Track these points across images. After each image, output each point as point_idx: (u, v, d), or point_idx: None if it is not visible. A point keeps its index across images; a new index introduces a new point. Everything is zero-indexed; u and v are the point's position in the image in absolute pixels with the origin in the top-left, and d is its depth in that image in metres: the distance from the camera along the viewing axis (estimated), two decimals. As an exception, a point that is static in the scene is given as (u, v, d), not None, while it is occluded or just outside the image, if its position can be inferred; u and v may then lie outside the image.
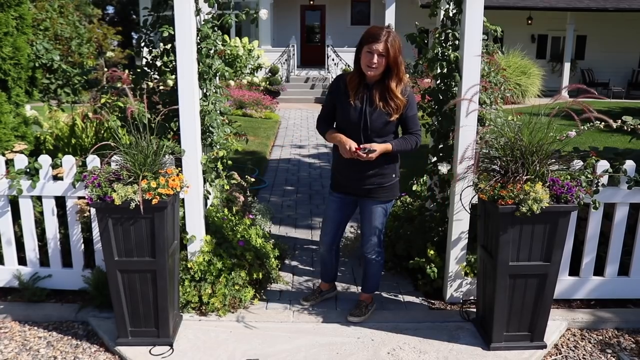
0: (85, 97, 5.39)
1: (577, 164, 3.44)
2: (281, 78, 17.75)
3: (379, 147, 3.10)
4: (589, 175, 3.40)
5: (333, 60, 18.30)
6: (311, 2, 20.95)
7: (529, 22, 20.10)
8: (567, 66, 19.31)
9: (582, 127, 3.82)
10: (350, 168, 3.27)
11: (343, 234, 3.67)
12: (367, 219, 3.38)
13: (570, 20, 19.11)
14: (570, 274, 3.72)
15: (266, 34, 19.40)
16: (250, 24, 19.52)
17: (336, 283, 3.97)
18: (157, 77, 3.91)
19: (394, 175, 3.32)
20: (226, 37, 16.64)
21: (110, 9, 34.33)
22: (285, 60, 18.49)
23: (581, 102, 3.00)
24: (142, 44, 3.87)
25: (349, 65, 17.75)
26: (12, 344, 3.29)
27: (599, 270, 3.73)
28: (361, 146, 3.08)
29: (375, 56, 3.01)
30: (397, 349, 3.19)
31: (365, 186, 3.28)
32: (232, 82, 15.67)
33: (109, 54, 21.76)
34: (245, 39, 17.47)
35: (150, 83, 4.03)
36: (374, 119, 3.14)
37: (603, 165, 3.48)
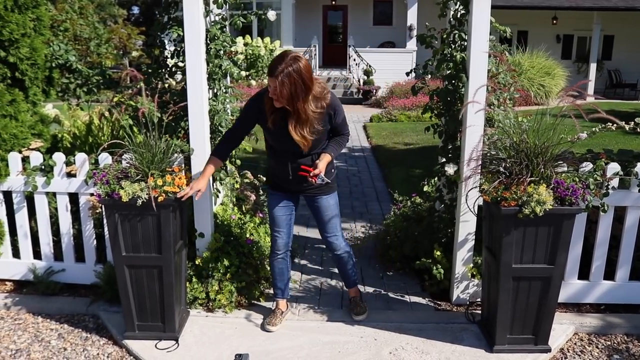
0: (104, 96, 5.51)
1: (587, 166, 3.41)
2: (302, 78, 17.79)
3: (322, 164, 3.03)
4: (598, 178, 3.36)
5: (354, 60, 18.31)
6: (333, 2, 20.97)
7: (554, 22, 19.84)
8: (593, 67, 19.03)
9: (594, 129, 3.79)
10: (288, 176, 3.17)
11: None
12: (321, 215, 3.33)
13: (596, 20, 18.81)
14: (579, 278, 3.67)
15: (288, 34, 19.50)
16: (273, 24, 19.69)
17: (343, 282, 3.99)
18: (168, 77, 3.99)
19: (332, 170, 3.28)
20: (248, 37, 16.79)
21: (136, 9, 34.85)
22: (307, 60, 18.53)
23: (592, 103, 2.98)
24: (150, 44, 3.95)
25: (370, 66, 17.76)
26: (25, 335, 3.39)
27: (609, 274, 3.68)
28: (312, 176, 3.00)
29: (273, 88, 2.86)
30: (399, 349, 3.20)
31: (309, 189, 3.22)
32: (253, 82, 15.80)
33: (134, 53, 22.10)
34: (267, 39, 17.59)
35: (166, 82, 4.11)
36: (295, 143, 3.02)
37: (613, 167, 3.44)
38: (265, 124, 3.07)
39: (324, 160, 3.07)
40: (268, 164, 3.33)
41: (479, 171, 3.28)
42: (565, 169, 3.14)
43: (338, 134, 3.20)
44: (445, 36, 3.66)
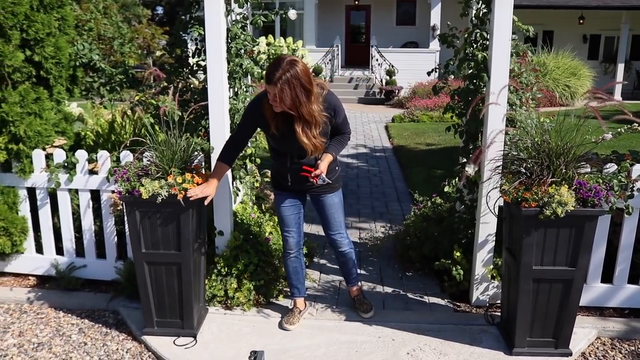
0: (127, 95, 5.58)
1: (611, 167, 3.34)
2: (324, 78, 17.82)
3: (324, 165, 3.02)
4: (622, 179, 3.29)
5: (377, 60, 18.26)
6: (356, 2, 20.93)
7: (581, 21, 19.50)
8: (620, 67, 18.66)
9: (619, 130, 3.71)
10: (293, 174, 3.18)
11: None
12: (325, 213, 3.34)
13: (625, 20, 18.42)
14: (603, 281, 3.61)
15: (310, 34, 19.53)
16: (295, 24, 19.73)
17: (363, 282, 3.99)
18: (189, 75, 4.02)
19: (337, 168, 3.28)
20: (270, 37, 16.86)
21: (160, 10, 35.14)
22: (329, 60, 18.56)
23: (619, 105, 2.92)
24: (172, 43, 3.99)
25: (392, 66, 17.69)
26: (47, 329, 3.45)
27: (634, 278, 3.60)
28: (313, 176, 3.00)
29: (272, 96, 2.83)
30: (417, 349, 3.18)
31: (312, 188, 3.22)
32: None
33: (158, 53, 22.34)
34: (290, 39, 17.63)
35: (189, 81, 4.14)
36: (300, 146, 3.02)
37: (639, 169, 3.36)
38: (267, 129, 3.04)
39: (325, 161, 3.05)
40: (271, 165, 3.32)
41: (500, 171, 3.23)
42: (589, 170, 3.08)
43: (339, 133, 3.18)
44: (466, 35, 3.62)
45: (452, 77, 3.84)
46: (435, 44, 18.68)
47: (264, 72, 2.85)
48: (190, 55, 3.98)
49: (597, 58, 20.65)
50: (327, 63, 18.48)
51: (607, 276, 3.61)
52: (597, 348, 3.32)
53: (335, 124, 3.10)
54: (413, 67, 17.47)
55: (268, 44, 17.06)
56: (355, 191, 6.89)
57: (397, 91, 17.36)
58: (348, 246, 3.46)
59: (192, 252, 3.14)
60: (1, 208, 3.69)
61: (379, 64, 18.22)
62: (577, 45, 19.30)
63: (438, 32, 18.59)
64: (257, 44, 3.59)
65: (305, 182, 3.14)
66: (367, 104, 17.46)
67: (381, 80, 18.09)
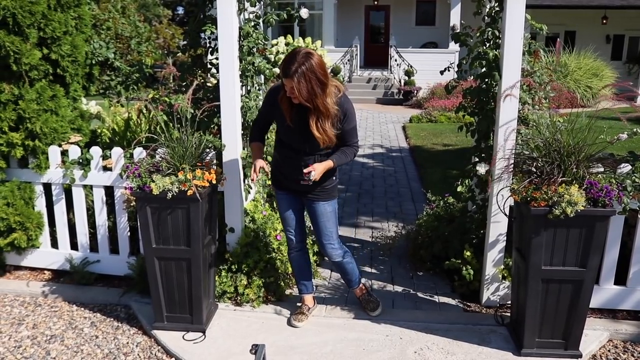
0: (144, 93, 5.65)
1: (625, 167, 3.29)
2: (343, 78, 17.81)
3: (320, 167, 3.00)
4: (637, 180, 3.23)
5: (396, 61, 18.19)
6: (376, 3, 20.89)
7: (604, 21, 19.23)
8: (645, 68, 18.32)
9: (635, 130, 3.66)
10: (292, 171, 3.18)
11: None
12: (317, 220, 3.29)
13: (649, 20, 18.12)
14: (616, 283, 3.55)
15: (329, 34, 19.54)
16: (314, 24, 19.73)
17: (373, 281, 3.98)
18: (202, 73, 4.06)
19: (334, 178, 3.25)
20: (289, 37, 16.92)
21: (180, 10, 35.32)
22: (348, 60, 18.54)
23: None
24: (187, 41, 4.04)
25: (411, 66, 17.61)
26: (60, 322, 3.52)
27: (649, 280, 3.55)
28: (305, 171, 2.98)
29: (290, 88, 2.86)
30: (424, 348, 3.17)
31: (306, 191, 3.21)
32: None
33: (179, 54, 22.56)
34: (309, 39, 17.65)
35: (207, 79, 4.18)
36: (311, 141, 3.03)
37: (654, 169, 3.31)
38: (283, 120, 3.06)
39: (324, 164, 3.03)
40: (272, 160, 3.35)
41: (511, 170, 3.21)
42: (602, 169, 3.04)
43: (345, 143, 3.12)
44: (478, 34, 3.60)
45: (472, 77, 3.80)
46: (454, 44, 18.55)
47: (280, 66, 2.88)
48: (204, 53, 4.02)
49: (620, 58, 20.34)
50: (346, 63, 18.46)
51: (620, 278, 3.56)
52: (609, 350, 3.27)
53: (343, 129, 3.05)
54: (432, 67, 17.24)
55: (287, 44, 17.12)
56: (370, 191, 6.88)
57: (415, 92, 17.28)
58: (340, 256, 3.38)
59: (201, 248, 3.18)
60: (18, 203, 3.77)
61: (397, 65, 18.15)
62: (599, 45, 18.99)
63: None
64: (276, 45, 3.61)
65: (299, 178, 3.09)
66: (386, 104, 17.41)
67: (400, 81, 18.02)
